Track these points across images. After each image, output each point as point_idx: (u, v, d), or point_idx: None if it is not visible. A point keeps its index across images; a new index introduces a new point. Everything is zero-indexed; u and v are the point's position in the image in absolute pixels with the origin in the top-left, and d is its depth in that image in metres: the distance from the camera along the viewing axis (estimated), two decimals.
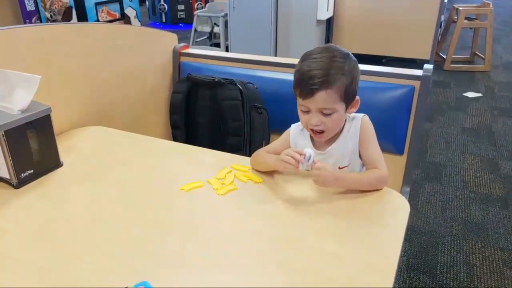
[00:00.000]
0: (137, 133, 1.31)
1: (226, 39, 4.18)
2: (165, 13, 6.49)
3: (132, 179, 1.06)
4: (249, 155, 1.13)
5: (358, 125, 1.04)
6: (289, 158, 0.94)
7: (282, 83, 1.52)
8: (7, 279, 0.74)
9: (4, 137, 0.95)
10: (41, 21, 3.99)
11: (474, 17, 4.25)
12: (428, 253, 1.80)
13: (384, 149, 1.05)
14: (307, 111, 0.99)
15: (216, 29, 4.66)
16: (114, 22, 4.58)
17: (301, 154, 0.94)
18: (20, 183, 1.01)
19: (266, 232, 0.86)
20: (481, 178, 2.37)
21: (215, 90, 1.56)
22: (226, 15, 4.05)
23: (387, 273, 0.74)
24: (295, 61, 1.03)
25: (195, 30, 4.63)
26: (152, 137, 1.29)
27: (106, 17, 4.56)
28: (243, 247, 0.82)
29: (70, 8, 4.17)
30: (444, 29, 4.56)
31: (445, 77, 4.07)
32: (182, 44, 1.76)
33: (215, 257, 0.79)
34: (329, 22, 4.31)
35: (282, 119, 1.21)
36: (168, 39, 1.74)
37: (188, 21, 6.25)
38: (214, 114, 1.60)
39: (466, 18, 4.12)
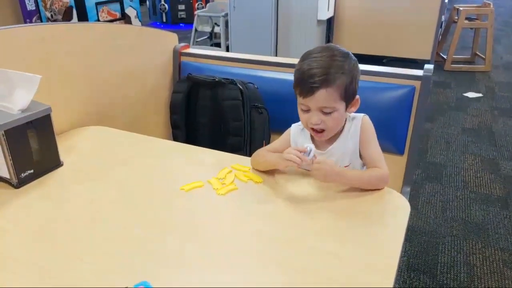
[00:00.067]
0: (137, 133, 1.31)
1: (227, 39, 4.18)
2: (166, 13, 6.49)
3: (132, 179, 1.06)
4: (250, 155, 1.13)
5: (358, 125, 1.04)
6: (292, 156, 0.94)
7: (283, 83, 1.52)
8: (7, 279, 0.74)
9: (4, 137, 0.95)
10: (41, 21, 3.99)
11: (475, 17, 4.25)
12: (428, 253, 1.80)
13: (384, 149, 1.05)
14: (307, 110, 0.99)
15: (216, 29, 4.66)
16: (114, 22, 4.58)
17: (301, 151, 0.94)
18: (20, 183, 1.01)
19: (266, 232, 0.86)
20: (481, 179, 2.37)
21: (215, 90, 1.56)
22: (226, 15, 4.05)
23: (387, 273, 0.74)
24: (296, 61, 1.03)
25: (196, 30, 4.64)
26: (153, 137, 1.29)
27: (106, 17, 4.56)
28: (243, 247, 0.82)
29: (70, 7, 4.17)
30: (444, 29, 4.56)
31: (445, 77, 4.07)
32: (182, 44, 1.76)
33: (215, 257, 0.79)
34: (330, 22, 4.31)
35: (283, 119, 1.21)
36: (168, 39, 1.74)
37: (188, 21, 6.25)
38: (215, 114, 1.60)
39: (466, 18, 4.12)
